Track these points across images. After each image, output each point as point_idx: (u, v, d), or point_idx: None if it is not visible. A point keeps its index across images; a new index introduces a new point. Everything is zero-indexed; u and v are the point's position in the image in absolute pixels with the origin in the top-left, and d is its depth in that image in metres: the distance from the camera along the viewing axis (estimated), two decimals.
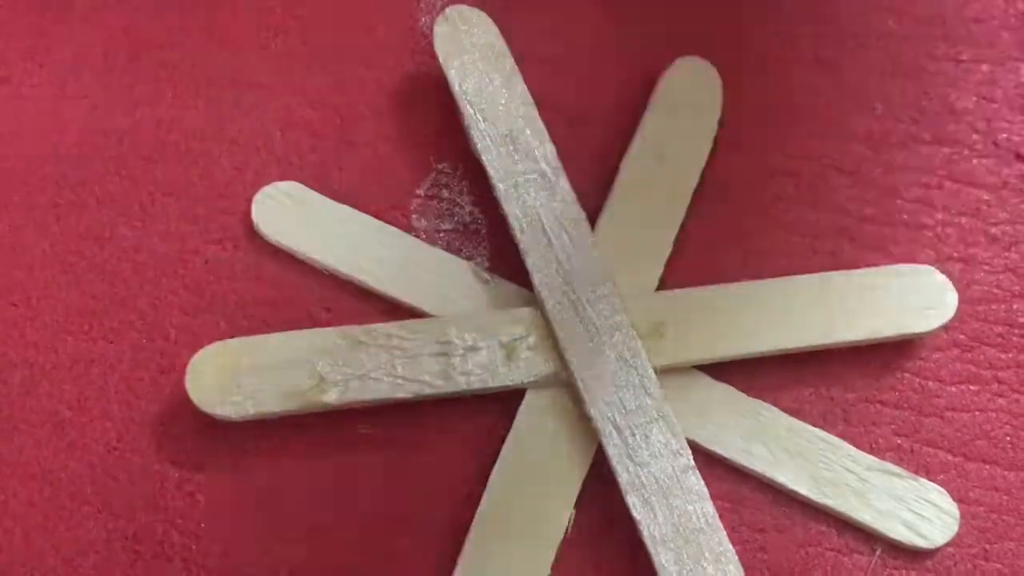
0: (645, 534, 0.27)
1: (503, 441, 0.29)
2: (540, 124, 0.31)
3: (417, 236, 0.31)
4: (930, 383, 0.31)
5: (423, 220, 0.32)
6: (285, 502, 0.28)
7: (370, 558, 0.28)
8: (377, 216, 0.31)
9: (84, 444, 0.28)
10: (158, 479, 0.28)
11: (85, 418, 0.28)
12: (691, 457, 0.28)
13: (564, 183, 0.30)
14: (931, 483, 0.29)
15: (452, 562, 0.27)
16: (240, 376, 0.28)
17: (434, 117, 0.33)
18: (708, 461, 0.29)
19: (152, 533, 0.28)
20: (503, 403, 0.29)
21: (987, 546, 0.29)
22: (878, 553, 0.29)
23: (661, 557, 0.27)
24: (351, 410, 0.29)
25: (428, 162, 0.32)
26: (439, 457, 0.29)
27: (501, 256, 0.31)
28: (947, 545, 0.29)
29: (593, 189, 0.32)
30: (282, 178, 0.31)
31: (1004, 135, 0.34)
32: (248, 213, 0.31)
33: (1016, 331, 0.32)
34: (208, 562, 0.27)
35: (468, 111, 0.31)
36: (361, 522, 0.28)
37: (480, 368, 0.29)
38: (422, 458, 0.29)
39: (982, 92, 0.35)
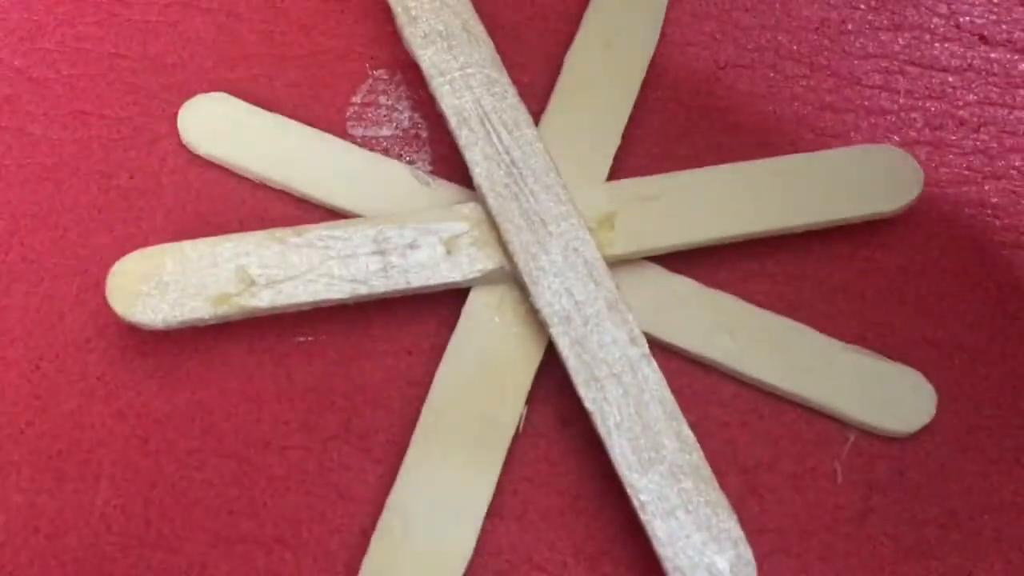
0: (599, 425, 0.26)
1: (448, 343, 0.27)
2: (476, 21, 0.30)
3: (354, 143, 0.30)
4: (900, 268, 0.29)
5: (360, 128, 0.30)
6: (218, 415, 0.27)
7: (311, 469, 0.26)
8: (312, 127, 0.30)
9: (6, 364, 0.27)
10: (84, 396, 0.27)
11: (6, 338, 0.27)
12: (646, 347, 0.27)
13: (503, 77, 0.29)
14: (906, 366, 0.28)
15: (398, 468, 0.26)
16: (164, 282, 0.26)
17: (368, 25, 0.31)
18: (667, 355, 0.28)
19: (77, 451, 0.26)
20: (447, 304, 0.28)
21: (967, 431, 0.28)
22: (851, 440, 0.27)
23: (616, 448, 0.25)
24: (287, 320, 0.28)
25: (364, 71, 0.31)
26: (381, 363, 0.27)
27: (443, 160, 0.30)
28: (924, 430, 0.27)
29: (537, 87, 0.30)
30: (212, 91, 0.30)
31: (967, 18, 0.33)
32: (175, 127, 0.29)
33: (988, 211, 0.30)
34: (138, 479, 0.26)
35: (401, 10, 0.30)
36: (300, 433, 0.27)
37: (420, 266, 0.27)
38: (363, 364, 0.27)
39: None
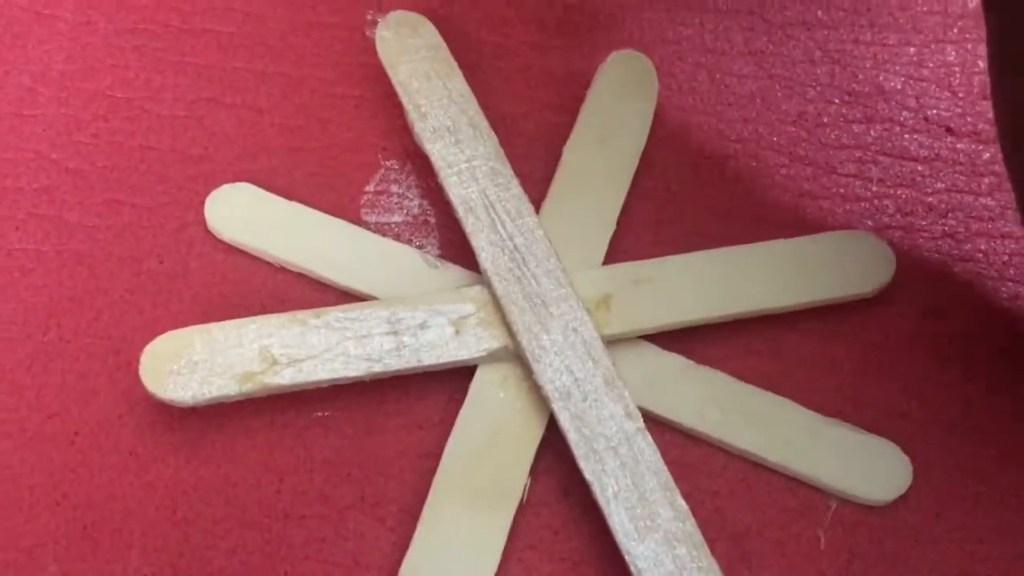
0: (598, 496, 0.27)
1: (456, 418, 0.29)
2: (481, 116, 0.32)
3: (367, 229, 0.32)
4: (875, 336, 0.32)
5: (373, 215, 0.32)
6: (241, 487, 0.28)
7: (328, 537, 0.28)
8: (329, 214, 0.32)
9: (42, 439, 0.29)
10: (116, 470, 0.28)
11: (42, 415, 0.29)
12: (641, 421, 0.29)
13: (506, 168, 0.31)
14: (881, 438, 0.30)
15: (411, 536, 0.28)
16: (193, 361, 0.28)
17: (380, 120, 0.34)
18: (661, 428, 0.30)
19: (110, 522, 0.28)
20: (455, 381, 0.30)
21: (943, 500, 0.29)
22: (832, 508, 0.29)
23: (615, 517, 0.27)
24: (307, 396, 0.29)
25: (376, 161, 0.33)
26: (395, 437, 0.29)
27: (451, 245, 0.32)
28: (902, 499, 0.29)
29: (537, 177, 0.33)
30: (236, 181, 0.32)
31: (934, 111, 0.35)
32: (202, 214, 0.31)
33: (957, 290, 0.32)
34: (167, 547, 0.28)
35: (412, 107, 0.32)
36: (318, 503, 0.28)
37: (431, 345, 0.29)
38: (378, 438, 0.29)
39: (910, 72, 0.36)
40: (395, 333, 0.29)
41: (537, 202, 0.32)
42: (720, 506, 0.29)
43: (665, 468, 0.28)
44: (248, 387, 0.28)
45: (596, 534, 0.28)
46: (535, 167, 0.33)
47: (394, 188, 0.33)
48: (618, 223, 0.32)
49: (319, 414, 0.29)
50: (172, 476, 0.28)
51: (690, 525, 0.28)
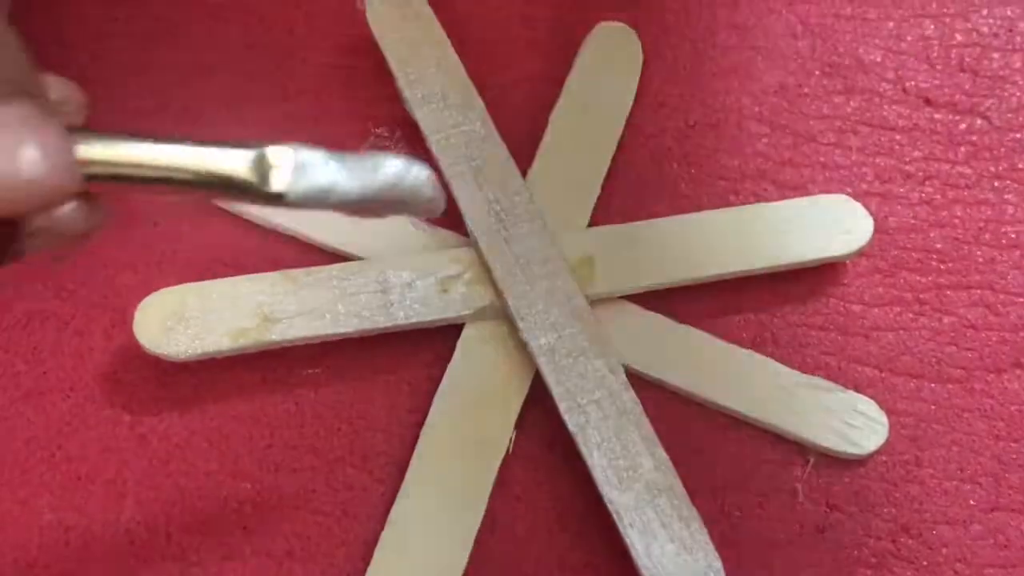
0: (582, 447, 0.28)
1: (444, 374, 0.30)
2: (469, 84, 0.33)
3: None
4: (854, 306, 0.32)
5: None
6: (234, 440, 0.29)
7: (319, 489, 0.29)
8: None
9: (39, 394, 0.29)
10: (110, 423, 0.29)
11: (40, 370, 0.30)
12: (624, 375, 0.29)
13: (493, 133, 0.32)
14: (859, 394, 0.30)
15: (399, 487, 0.28)
16: (186, 317, 0.29)
17: (371, 89, 0.35)
18: (642, 385, 0.30)
19: (104, 473, 0.28)
20: (442, 339, 0.30)
21: (918, 453, 0.30)
22: (811, 462, 0.30)
23: (598, 468, 0.28)
24: (297, 354, 0.30)
25: (366, 129, 0.34)
26: (383, 393, 0.30)
27: None
28: (878, 453, 0.30)
29: (524, 144, 0.33)
30: None
31: (912, 83, 0.36)
32: None
33: (934, 256, 0.33)
34: (160, 498, 0.28)
35: (401, 75, 0.33)
36: (309, 456, 0.29)
37: (418, 303, 0.30)
38: (367, 394, 0.30)
39: (889, 45, 0.37)
40: (384, 292, 0.30)
41: (524, 168, 0.32)
42: (701, 460, 0.30)
43: (647, 421, 0.29)
44: (240, 343, 0.29)
45: (580, 485, 0.29)
46: (522, 133, 0.34)
47: None
48: (603, 187, 0.33)
49: (309, 371, 0.30)
50: (165, 430, 0.29)
51: (671, 476, 0.28)
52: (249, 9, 0.35)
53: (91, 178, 0.20)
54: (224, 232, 0.32)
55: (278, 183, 0.21)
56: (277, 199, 0.21)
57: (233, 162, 0.21)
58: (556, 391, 0.29)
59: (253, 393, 0.30)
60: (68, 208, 0.20)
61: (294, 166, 0.21)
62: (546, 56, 0.35)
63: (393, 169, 0.23)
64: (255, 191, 0.21)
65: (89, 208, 0.20)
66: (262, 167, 0.21)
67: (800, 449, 0.30)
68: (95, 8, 0.35)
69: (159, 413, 0.29)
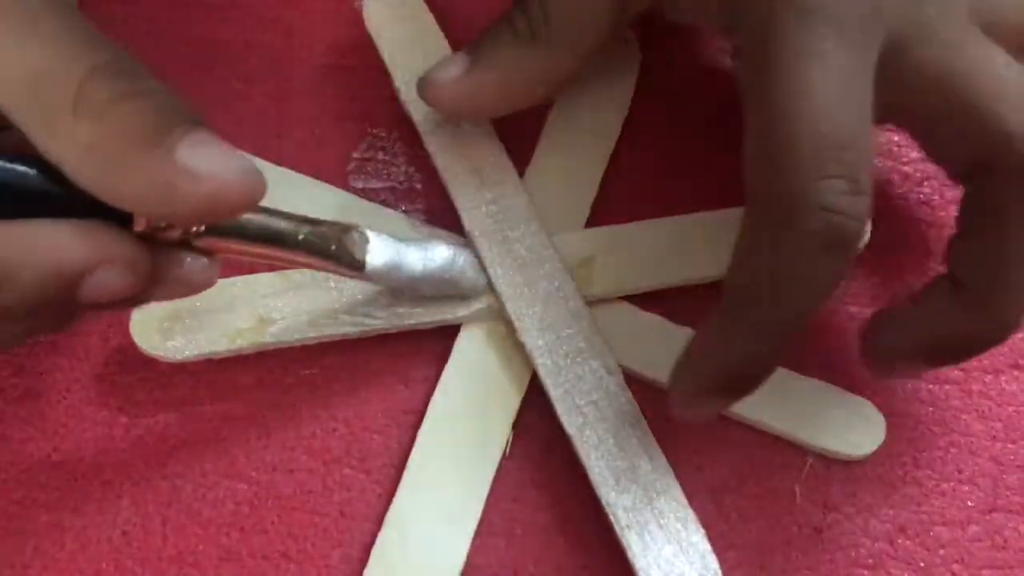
0: (579, 448, 0.28)
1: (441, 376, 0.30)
2: None
3: (355, 194, 0.32)
4: (852, 307, 0.32)
5: (360, 180, 0.33)
6: (230, 441, 0.29)
7: (315, 490, 0.29)
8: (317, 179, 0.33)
9: (36, 394, 0.29)
10: (106, 425, 0.29)
11: (36, 371, 0.29)
12: (621, 376, 0.29)
13: (490, 133, 0.32)
14: (856, 396, 0.30)
15: (396, 489, 0.28)
16: (183, 319, 0.29)
17: (368, 89, 0.34)
18: (640, 386, 0.30)
19: (101, 474, 0.28)
20: (440, 340, 0.30)
21: (916, 454, 0.30)
22: (809, 463, 0.30)
23: (595, 469, 0.28)
24: (294, 355, 0.30)
25: (363, 129, 0.34)
26: (380, 394, 0.30)
27: (436, 210, 0.33)
28: (876, 454, 0.30)
29: (522, 144, 0.33)
30: None
31: None
32: None
33: (932, 257, 0.33)
34: (156, 499, 0.28)
35: (398, 76, 0.33)
36: (305, 457, 0.29)
37: (415, 304, 0.30)
38: (364, 395, 0.30)
39: None
40: (381, 293, 0.30)
41: (521, 168, 0.32)
42: (699, 462, 0.30)
43: (644, 422, 0.29)
44: (238, 344, 0.29)
45: (577, 486, 0.29)
46: (519, 133, 0.33)
47: (381, 155, 0.34)
48: (600, 187, 0.33)
49: (306, 372, 0.30)
50: (162, 431, 0.29)
51: (669, 477, 0.28)
52: (247, 9, 0.35)
53: (211, 231, 0.23)
54: None
55: (361, 256, 0.26)
56: (359, 270, 0.26)
57: (328, 234, 0.26)
58: (553, 392, 0.29)
59: (250, 394, 0.30)
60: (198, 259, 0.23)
61: (372, 244, 0.26)
62: None
63: (445, 254, 0.28)
64: (345, 261, 0.26)
65: (212, 262, 0.24)
66: (348, 241, 0.26)
67: (798, 451, 0.30)
68: (93, 8, 0.35)
69: (156, 414, 0.29)
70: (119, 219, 0.21)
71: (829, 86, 0.24)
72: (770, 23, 0.25)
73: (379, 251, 0.27)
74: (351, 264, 0.26)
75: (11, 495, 0.28)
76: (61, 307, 0.21)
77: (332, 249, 0.26)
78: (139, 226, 0.22)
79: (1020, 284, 0.26)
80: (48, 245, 0.21)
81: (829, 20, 0.24)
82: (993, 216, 0.25)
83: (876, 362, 0.28)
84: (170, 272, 0.23)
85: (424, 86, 0.31)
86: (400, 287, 0.28)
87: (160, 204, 0.20)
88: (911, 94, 0.26)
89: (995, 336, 0.26)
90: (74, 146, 0.20)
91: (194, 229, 0.23)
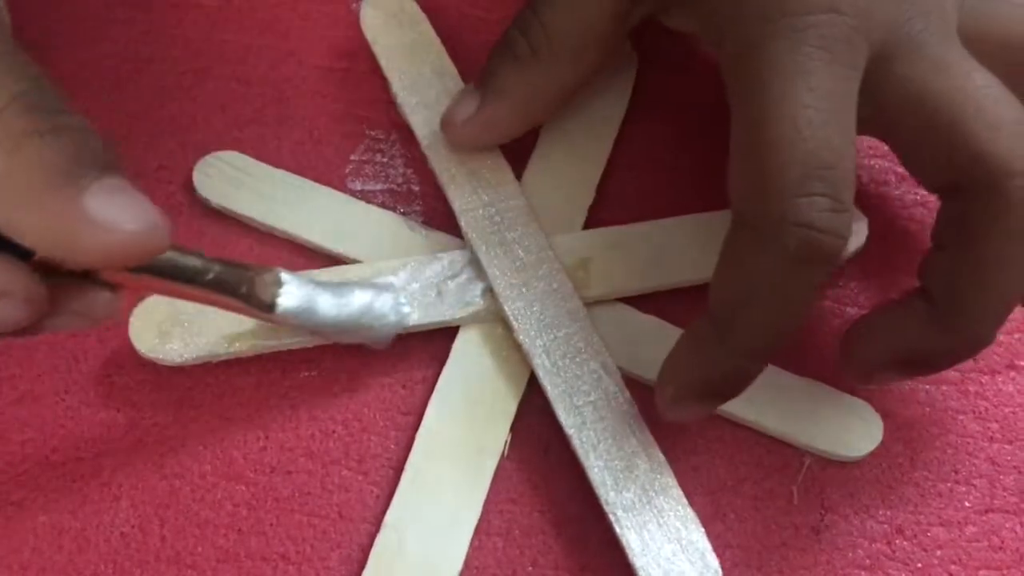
0: (578, 448, 0.28)
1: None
2: (462, 87, 0.33)
3: (352, 196, 0.33)
4: (849, 308, 0.32)
5: (358, 182, 0.33)
6: (229, 443, 0.29)
7: (314, 491, 0.29)
8: (315, 181, 0.33)
9: (34, 396, 0.29)
10: (104, 426, 0.29)
11: (34, 372, 0.29)
12: (619, 377, 0.29)
13: None
14: (854, 397, 0.30)
15: (394, 490, 0.28)
16: (182, 321, 0.29)
17: (365, 91, 0.35)
18: (638, 388, 0.30)
19: (99, 475, 0.28)
20: (437, 342, 0.30)
21: (912, 455, 0.30)
22: (806, 464, 0.30)
23: (594, 469, 0.28)
24: (292, 356, 0.30)
25: (361, 132, 0.34)
26: (378, 395, 0.30)
27: (434, 212, 0.33)
28: (873, 455, 0.30)
29: (519, 148, 0.33)
30: (224, 150, 0.33)
31: None
32: (191, 182, 0.32)
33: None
34: (154, 500, 0.28)
35: (395, 79, 0.33)
36: (304, 458, 0.29)
37: (413, 306, 0.30)
38: (362, 397, 0.30)
39: None
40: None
41: (519, 170, 0.33)
42: (696, 462, 0.30)
43: (643, 423, 0.29)
44: (236, 346, 0.29)
45: (576, 486, 0.29)
46: (517, 139, 0.34)
47: (378, 157, 0.34)
48: (598, 189, 0.33)
49: (304, 374, 0.30)
50: (160, 432, 0.29)
51: (668, 477, 0.28)
52: (245, 12, 0.35)
53: (132, 268, 0.22)
54: (219, 236, 0.32)
55: (272, 299, 0.26)
56: (269, 311, 0.26)
57: (240, 275, 0.26)
58: (552, 393, 0.29)
59: (248, 395, 0.30)
60: (101, 292, 0.23)
61: (285, 288, 0.27)
62: None
63: (362, 299, 0.28)
64: (254, 302, 0.26)
65: (115, 296, 0.23)
66: (259, 283, 0.26)
67: (795, 451, 0.30)
68: (93, 10, 0.35)
69: (153, 415, 0.29)
70: (20, 246, 0.21)
71: (815, 105, 0.24)
72: (755, 40, 0.25)
73: (291, 294, 0.27)
74: (260, 306, 0.26)
75: (9, 496, 0.28)
76: None
77: (242, 290, 0.26)
78: (40, 255, 0.21)
79: (991, 301, 0.26)
80: None
81: (816, 38, 0.25)
82: (967, 233, 0.26)
83: (852, 370, 0.29)
84: (70, 304, 0.22)
85: (443, 127, 0.31)
86: (314, 330, 0.28)
87: (59, 248, 0.20)
88: (892, 110, 0.26)
89: (965, 351, 0.27)
90: None
91: None
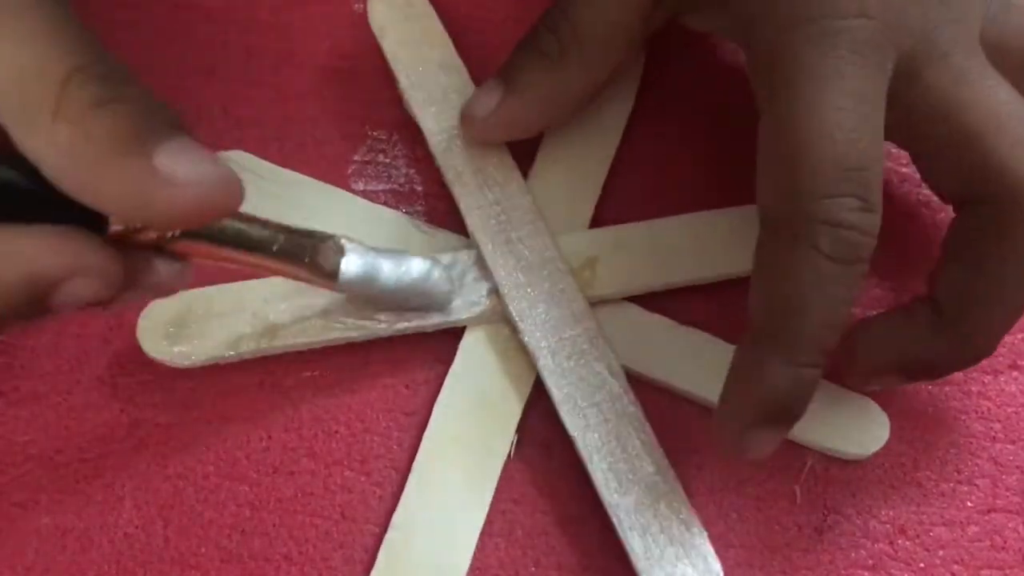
0: (582, 450, 0.28)
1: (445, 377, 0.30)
2: (470, 85, 0.33)
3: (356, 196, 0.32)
4: (854, 310, 0.32)
5: (361, 183, 0.33)
6: (232, 443, 0.29)
7: (317, 492, 0.29)
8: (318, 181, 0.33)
9: (37, 396, 0.29)
10: (108, 427, 0.29)
11: (37, 373, 0.29)
12: (624, 378, 0.29)
13: None
14: (860, 395, 0.30)
15: (397, 491, 0.28)
16: (190, 324, 0.29)
17: (368, 92, 0.34)
18: (642, 387, 0.30)
19: (102, 476, 0.28)
20: (442, 343, 0.30)
21: (915, 455, 0.30)
22: (809, 464, 0.30)
23: (598, 472, 0.28)
24: (296, 357, 0.30)
25: (364, 132, 0.34)
26: (381, 396, 0.30)
27: (438, 211, 0.33)
28: (876, 455, 0.30)
29: (524, 145, 0.33)
30: (229, 149, 0.33)
31: None
32: None
33: (931, 258, 0.33)
34: (158, 501, 0.28)
35: (402, 75, 0.33)
36: (307, 459, 0.29)
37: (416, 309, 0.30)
38: (365, 397, 0.30)
39: None
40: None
41: (525, 169, 0.32)
42: (699, 462, 0.30)
43: (647, 424, 0.29)
44: (242, 349, 0.29)
45: (580, 488, 0.29)
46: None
47: (381, 158, 0.34)
48: (604, 188, 0.33)
49: (308, 374, 0.30)
50: (164, 433, 0.29)
51: (671, 479, 0.28)
52: (247, 12, 0.35)
53: (186, 234, 0.23)
54: None
55: (335, 267, 0.26)
56: (332, 279, 0.26)
57: (304, 243, 0.26)
58: (556, 394, 0.29)
59: (251, 396, 0.30)
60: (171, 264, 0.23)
61: (347, 255, 0.27)
62: None
63: (420, 268, 0.28)
64: (317, 271, 0.26)
65: (184, 266, 0.24)
66: (323, 251, 0.26)
67: (798, 451, 0.30)
68: (97, 10, 0.35)
69: (156, 416, 0.29)
70: (96, 219, 0.21)
71: (847, 108, 0.24)
72: (787, 42, 0.25)
73: (354, 262, 0.27)
74: (324, 274, 0.26)
75: (13, 497, 0.28)
76: (30, 310, 0.21)
77: (306, 258, 0.26)
78: (115, 227, 0.22)
79: (1001, 316, 0.26)
80: (24, 255, 0.20)
81: (848, 43, 0.25)
82: (981, 247, 0.26)
83: (852, 373, 0.29)
84: (142, 277, 0.23)
85: (463, 122, 0.31)
86: (373, 298, 0.28)
87: (137, 209, 0.20)
88: (914, 119, 0.26)
89: (968, 360, 0.27)
90: (54, 147, 0.20)
91: (169, 233, 0.23)
